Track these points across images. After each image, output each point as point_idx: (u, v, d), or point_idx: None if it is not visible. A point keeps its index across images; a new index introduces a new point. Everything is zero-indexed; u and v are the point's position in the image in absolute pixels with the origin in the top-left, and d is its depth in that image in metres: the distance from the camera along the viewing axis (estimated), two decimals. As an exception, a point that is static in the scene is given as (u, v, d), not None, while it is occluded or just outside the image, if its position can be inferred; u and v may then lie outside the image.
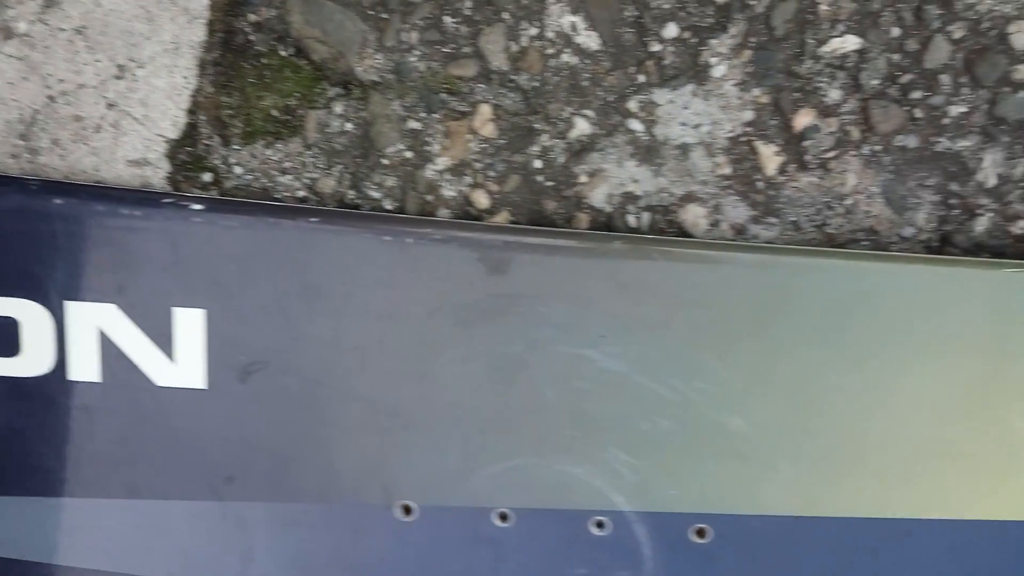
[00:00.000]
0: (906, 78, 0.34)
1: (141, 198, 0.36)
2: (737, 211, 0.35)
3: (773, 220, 0.35)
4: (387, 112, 0.35)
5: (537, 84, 0.34)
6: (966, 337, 0.33)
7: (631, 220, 0.35)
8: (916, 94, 0.34)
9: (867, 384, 0.33)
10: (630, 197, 0.35)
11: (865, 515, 0.33)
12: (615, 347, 0.34)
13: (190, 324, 0.35)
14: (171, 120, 0.36)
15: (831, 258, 0.34)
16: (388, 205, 0.35)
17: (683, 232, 0.35)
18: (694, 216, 0.35)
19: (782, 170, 0.34)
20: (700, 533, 0.34)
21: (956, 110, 0.34)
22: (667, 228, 0.35)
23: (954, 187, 0.34)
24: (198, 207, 0.35)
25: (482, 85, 0.35)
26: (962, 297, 0.33)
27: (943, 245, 0.34)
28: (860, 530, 0.33)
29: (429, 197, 0.35)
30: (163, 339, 0.35)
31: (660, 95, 0.34)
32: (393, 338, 0.34)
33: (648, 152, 0.34)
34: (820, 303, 0.33)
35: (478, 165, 0.35)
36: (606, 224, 0.35)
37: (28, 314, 0.34)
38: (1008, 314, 0.32)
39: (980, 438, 0.33)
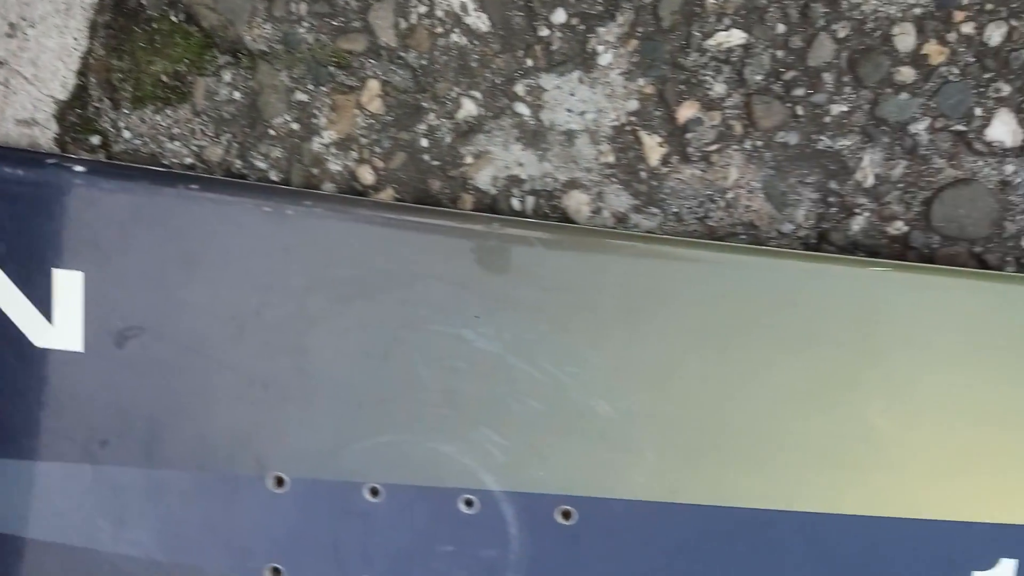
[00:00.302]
0: (789, 75, 0.34)
1: (25, 158, 0.36)
2: (620, 200, 0.35)
3: (655, 210, 0.35)
4: (275, 83, 0.35)
5: (426, 62, 0.34)
6: (831, 333, 0.33)
7: (515, 203, 0.35)
8: (799, 91, 0.34)
9: (732, 376, 0.34)
10: (515, 180, 0.35)
11: (725, 504, 0.34)
12: (489, 328, 0.34)
13: (69, 286, 0.35)
14: (61, 81, 0.36)
15: (705, 250, 0.34)
16: (274, 176, 0.35)
17: (566, 218, 0.35)
18: (577, 203, 0.35)
19: (665, 161, 0.35)
20: (565, 515, 0.35)
21: (838, 109, 0.34)
22: (551, 213, 0.35)
23: (833, 185, 0.34)
24: (81, 169, 0.35)
25: (371, 60, 0.35)
26: (830, 294, 0.33)
27: (820, 242, 0.35)
28: (719, 518, 0.34)
29: (315, 170, 0.35)
30: (42, 300, 0.35)
31: (547, 80, 0.34)
32: (270, 310, 0.35)
33: (534, 136, 0.35)
34: (692, 294, 0.34)
35: (364, 140, 0.35)
36: (491, 206, 0.35)
37: (-99, 269, 0.34)
38: (872, 312, 0.33)
39: (839, 433, 0.34)
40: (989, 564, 0.33)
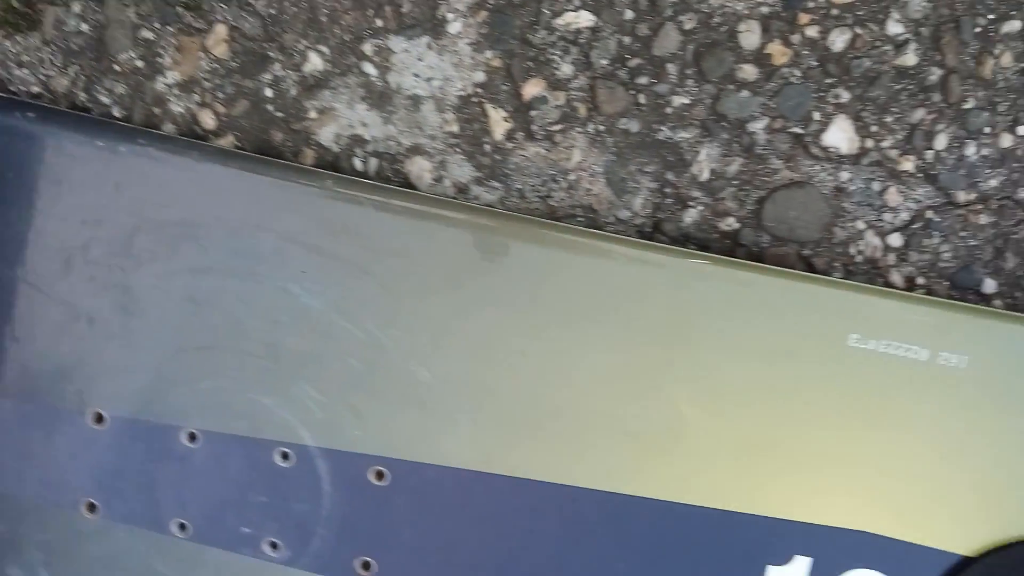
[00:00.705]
0: (634, 62, 0.34)
1: None
2: (462, 170, 0.35)
3: (497, 184, 0.35)
4: (122, 18, 0.34)
5: (275, 11, 0.34)
6: (649, 320, 0.34)
7: (357, 163, 0.35)
8: (643, 79, 0.34)
9: (550, 354, 0.34)
10: (358, 140, 0.35)
11: (535, 478, 0.35)
12: (316, 284, 0.35)
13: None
14: (-92, -6, 0.35)
15: (539, 228, 0.34)
16: (117, 112, 0.35)
17: (408, 183, 0.35)
18: (419, 169, 0.35)
19: (510, 136, 0.35)
20: (379, 475, 0.35)
21: (679, 101, 0.34)
22: (393, 177, 0.35)
23: (670, 176, 0.35)
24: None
25: (221, 5, 0.34)
26: (651, 282, 0.34)
27: (655, 232, 0.36)
28: (529, 491, 0.35)
29: (156, 110, 0.35)
30: None
31: (396, 43, 0.34)
32: (98, 246, 0.35)
33: (380, 98, 0.35)
34: (520, 271, 0.34)
35: (208, 84, 0.35)
36: (332, 164, 0.35)
37: None
38: (689, 304, 0.34)
39: (648, 418, 0.34)
40: (784, 560, 0.34)
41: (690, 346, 0.34)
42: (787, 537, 0.35)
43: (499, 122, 0.35)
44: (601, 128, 0.35)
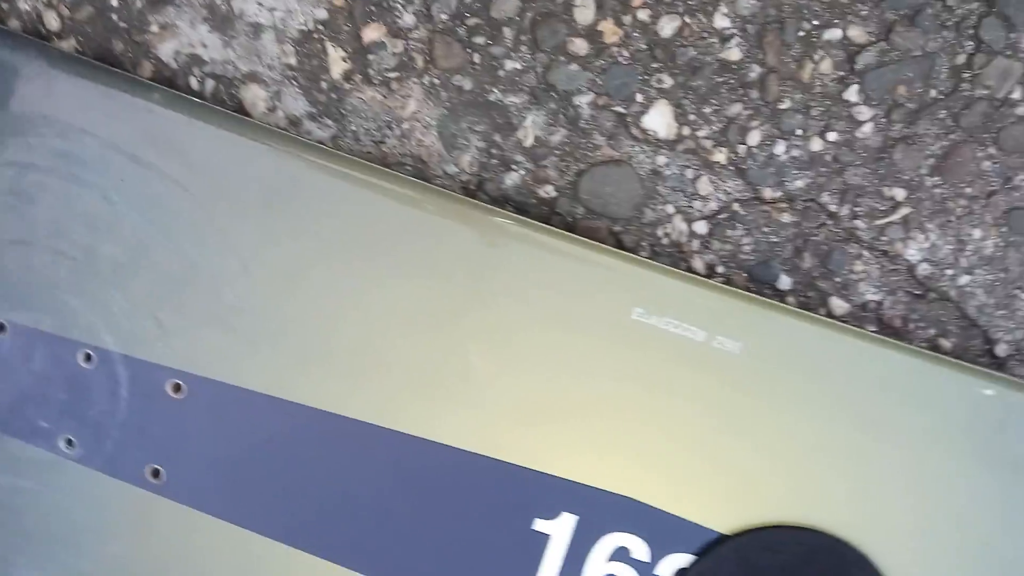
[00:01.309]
0: (473, 21, 0.35)
1: None
2: (297, 103, 0.36)
3: (330, 122, 0.37)
4: (-25, -93, 0.35)
5: (127, -78, 0.35)
6: (450, 269, 0.35)
7: (194, 83, 0.36)
8: (479, 39, 0.36)
9: (351, 291, 0.36)
10: (196, 60, 0.36)
11: (328, 409, 0.37)
12: (135, 195, 0.36)
13: None
14: None
15: (358, 171, 0.36)
16: (-38, 1, 0.36)
17: (241, 108, 0.36)
18: (254, 96, 0.36)
19: (347, 77, 0.36)
20: (176, 388, 0.37)
21: (512, 65, 0.36)
22: (228, 100, 0.36)
23: (497, 138, 0.36)
24: None
25: (75, -92, 0.35)
26: (457, 233, 0.35)
27: (478, 191, 0.37)
28: (321, 420, 0.37)
29: (4, 5, 0.36)
30: None
31: (243, -31, 0.35)
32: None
33: (222, 22, 0.36)
34: (333, 207, 0.36)
35: (54, -14, 0.36)
36: (169, 80, 0.36)
37: None
38: (492, 261, 0.35)
39: (439, 365, 0.36)
40: (552, 515, 0.36)
41: (487, 301, 0.36)
42: (557, 494, 0.37)
43: (338, 61, 0.36)
44: (436, 82, 0.36)
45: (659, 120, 0.36)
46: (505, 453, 0.37)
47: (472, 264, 0.37)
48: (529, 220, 0.36)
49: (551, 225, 0.38)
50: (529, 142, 0.37)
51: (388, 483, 0.37)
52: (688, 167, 0.37)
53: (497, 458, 0.37)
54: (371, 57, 0.37)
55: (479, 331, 0.37)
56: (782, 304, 0.36)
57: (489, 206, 0.37)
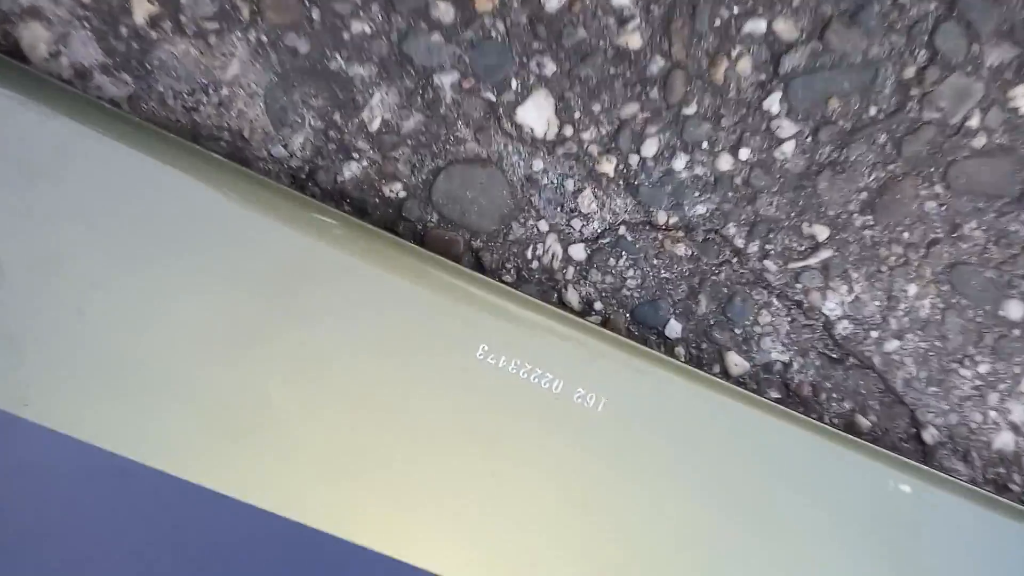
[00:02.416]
0: (313, -33, 0.29)
1: None
2: (87, 51, 0.30)
3: (128, 79, 0.30)
4: None
5: None
6: (260, 277, 0.29)
7: (-41, 13, 0.29)
8: (320, -9, 0.29)
9: (124, 295, 0.29)
10: (-38, -16, 0.29)
11: (75, 435, 0.29)
12: None
13: None
14: None
15: (155, 141, 0.29)
16: None
17: (18, 50, 0.29)
18: (35, 37, 0.29)
19: (154, 23, 0.29)
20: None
21: (360, 28, 0.29)
22: (3, 41, 0.29)
23: (338, 118, 0.30)
24: None
25: None
26: (271, 234, 0.29)
27: (309, 180, 0.30)
28: (64, 447, 0.29)
29: None
30: None
31: None
32: None
33: (-2, -62, 0.29)
34: (112, 183, 0.28)
35: None
36: (-72, 6, 0.29)
37: None
38: (309, 268, 0.28)
39: (229, 397, 0.29)
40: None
41: (298, 321, 0.29)
42: (364, 570, 0.30)
43: (142, 1, 0.29)
44: (265, 39, 0.30)
45: (537, 114, 0.30)
46: (303, 513, 0.31)
47: (285, 273, 0.30)
48: (364, 224, 0.30)
49: (394, 233, 0.31)
50: (375, 126, 0.30)
51: (151, 538, 0.31)
52: (569, 176, 0.30)
53: (291, 519, 0.31)
54: (184, 1, 0.30)
55: (284, 357, 0.30)
56: (666, 358, 0.30)
57: (318, 202, 0.31)
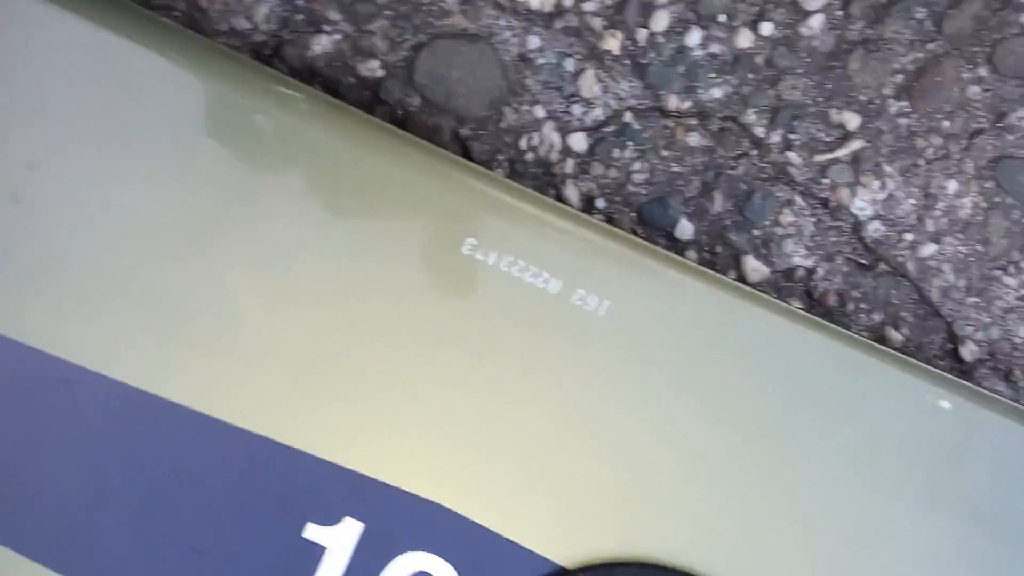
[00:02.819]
0: None
1: None
2: (21, -98, 0.26)
3: (69, -64, 0.26)
4: None
5: None
6: (211, 162, 0.25)
7: None
8: None
9: (68, 180, 0.25)
10: None
11: (63, 356, 0.26)
12: None
13: None
14: None
15: (97, 6, 0.25)
16: None
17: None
18: None
19: None
20: None
21: None
22: None
23: (307, -16, 0.26)
24: None
25: None
26: (231, 112, 0.25)
27: (274, 56, 0.27)
28: (60, 370, 0.26)
29: None
30: None
31: None
32: None
33: None
34: (47, 47, 0.25)
35: None
36: None
37: None
38: (272, 150, 0.25)
39: (187, 301, 0.26)
40: (330, 520, 0.27)
41: (261, 207, 0.26)
42: (340, 491, 0.27)
43: None
44: None
45: (532, -18, 0.27)
46: (272, 428, 0.27)
47: (246, 157, 0.27)
48: (336, 100, 0.27)
49: (372, 113, 0.28)
50: (349, -6, 0.27)
51: (111, 453, 0.27)
52: (568, 55, 0.27)
53: (260, 434, 0.27)
54: None
55: (249, 255, 0.27)
56: (677, 258, 0.27)
57: (283, 75, 0.27)
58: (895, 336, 0.28)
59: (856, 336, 0.27)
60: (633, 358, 0.26)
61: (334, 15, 0.27)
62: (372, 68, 0.28)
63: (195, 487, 0.27)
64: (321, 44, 0.28)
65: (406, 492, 0.27)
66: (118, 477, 0.28)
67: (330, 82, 0.28)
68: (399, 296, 0.26)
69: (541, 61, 0.28)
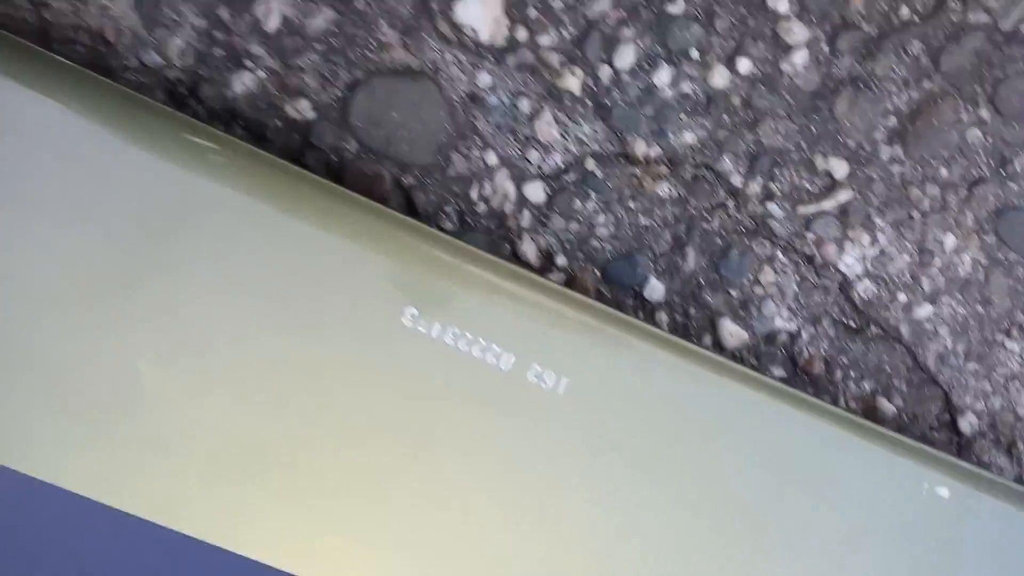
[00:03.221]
0: None
1: None
2: None
3: (-50, -42, 0.23)
4: None
5: None
6: (121, 220, 0.22)
7: None
8: None
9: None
10: None
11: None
12: None
13: None
14: None
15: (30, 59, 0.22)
16: None
17: None
18: None
19: None
20: None
21: None
22: None
23: (225, 15, 0.23)
24: None
25: None
26: (142, 165, 0.22)
27: (190, 96, 0.24)
28: None
29: None
30: None
31: None
32: None
33: None
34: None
35: None
36: None
37: None
38: (186, 202, 0.22)
39: (86, 375, 0.23)
40: None
41: (171, 273, 0.23)
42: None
43: None
44: (127, -91, 0.23)
45: (482, 11, 0.24)
46: (178, 520, 0.24)
47: (154, 216, 0.24)
48: (256, 149, 0.24)
49: (300, 165, 0.25)
50: (274, 24, 0.24)
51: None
52: (523, 94, 0.24)
53: (165, 525, 0.24)
54: None
55: (156, 326, 0.24)
56: (644, 326, 0.24)
57: (195, 120, 0.24)
58: (887, 407, 0.25)
59: (844, 413, 0.24)
60: (596, 442, 0.24)
61: (257, 49, 0.24)
62: (302, 109, 0.25)
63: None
64: (243, 82, 0.25)
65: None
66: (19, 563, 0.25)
67: (254, 125, 0.25)
68: (331, 375, 0.24)
69: (493, 101, 0.25)
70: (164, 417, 0.24)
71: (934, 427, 0.25)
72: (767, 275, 0.25)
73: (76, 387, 0.24)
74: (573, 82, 0.24)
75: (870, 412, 0.25)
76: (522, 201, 0.25)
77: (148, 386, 0.23)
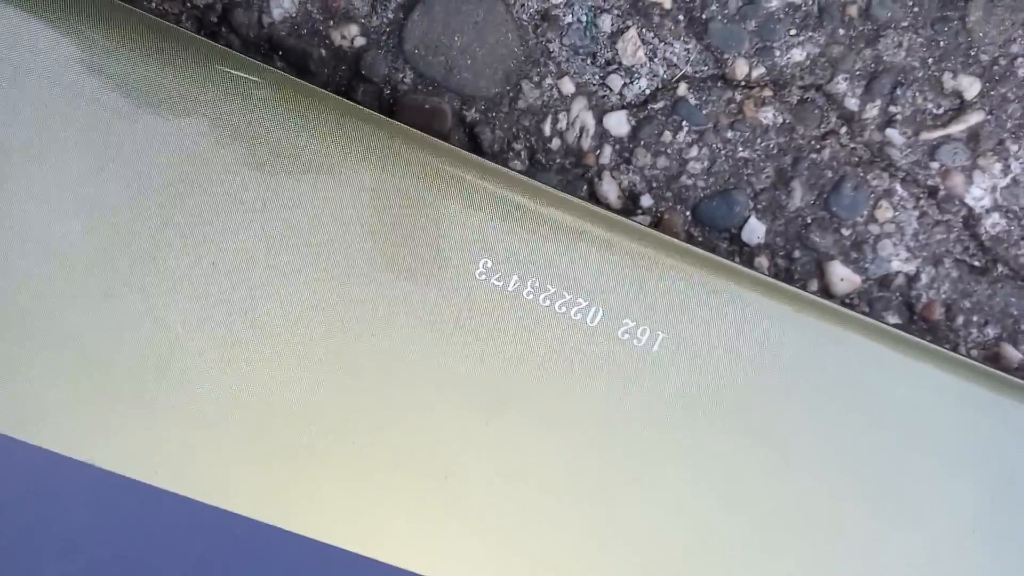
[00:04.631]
0: None
1: None
2: None
3: None
4: None
5: None
6: (157, 171, 0.20)
7: None
8: None
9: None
10: None
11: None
12: None
13: None
14: None
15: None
16: None
17: None
18: None
19: None
20: None
21: None
22: None
23: (258, -74, 0.21)
24: None
25: None
26: (175, 96, 0.20)
27: (221, 25, 0.21)
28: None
29: None
30: None
31: None
32: None
33: None
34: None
35: None
36: None
37: None
38: (227, 152, 0.20)
39: (123, 332, 0.21)
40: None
41: (208, 225, 0.21)
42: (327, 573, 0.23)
43: None
44: None
45: (555, -86, 0.21)
46: (227, 499, 0.23)
47: (187, 161, 0.21)
48: (302, 82, 0.21)
49: (348, 98, 0.23)
50: (315, -61, 0.22)
51: (14, 519, 0.23)
52: (604, 10, 0.22)
53: (213, 504, 0.23)
54: None
55: (192, 285, 0.22)
56: (745, 270, 0.22)
57: (233, 51, 0.22)
58: (1013, 354, 0.23)
59: (967, 359, 0.23)
60: (695, 403, 0.22)
61: (295, -34, 0.22)
62: (349, 35, 0.22)
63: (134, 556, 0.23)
64: (282, 6, 0.22)
65: (403, 570, 0.23)
66: (44, 540, 0.24)
67: (295, 55, 0.22)
68: (394, 334, 0.22)
69: (568, 20, 0.22)
70: (203, 380, 0.22)
71: (1067, 377, 0.23)
72: (884, 211, 0.23)
73: (107, 356, 0.22)
74: (662, -6, 0.22)
75: (994, 360, 0.23)
76: (602, 135, 0.23)
77: (186, 347, 0.22)
